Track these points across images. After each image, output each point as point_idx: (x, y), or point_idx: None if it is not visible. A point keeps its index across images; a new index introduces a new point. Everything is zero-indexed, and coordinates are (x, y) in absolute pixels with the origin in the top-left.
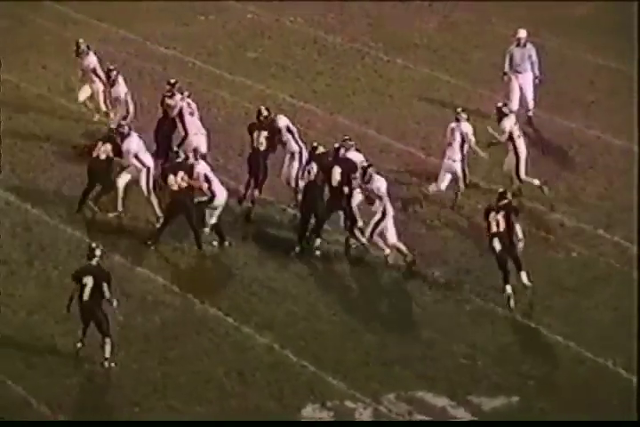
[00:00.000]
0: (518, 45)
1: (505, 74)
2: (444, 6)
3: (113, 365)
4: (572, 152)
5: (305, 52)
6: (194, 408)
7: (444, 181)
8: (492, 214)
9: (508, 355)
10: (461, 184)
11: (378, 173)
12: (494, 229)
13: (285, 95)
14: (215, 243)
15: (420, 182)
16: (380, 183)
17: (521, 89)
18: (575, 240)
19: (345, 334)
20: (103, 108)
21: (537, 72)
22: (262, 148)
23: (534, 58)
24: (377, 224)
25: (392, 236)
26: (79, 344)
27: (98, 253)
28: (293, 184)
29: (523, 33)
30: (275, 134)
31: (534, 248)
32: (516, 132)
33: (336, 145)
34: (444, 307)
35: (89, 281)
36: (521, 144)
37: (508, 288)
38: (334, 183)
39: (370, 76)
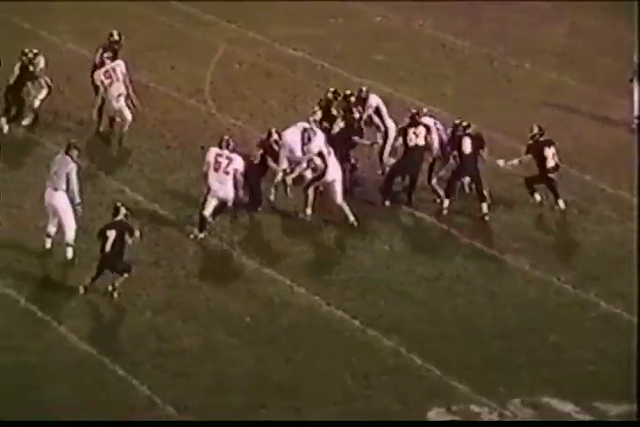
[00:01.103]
0: None
1: (631, 81)
2: (572, 11)
3: (116, 295)
4: None
5: (433, 55)
6: (319, 410)
7: None
8: (547, 149)
9: (634, 361)
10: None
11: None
12: (551, 164)
13: (413, 99)
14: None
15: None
16: (317, 142)
17: None
18: None
19: (470, 339)
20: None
21: None
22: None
23: None
24: (314, 180)
25: (338, 197)
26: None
27: (122, 211)
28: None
29: None
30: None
31: None
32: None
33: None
34: (570, 312)
35: (112, 234)
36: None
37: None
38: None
39: (497, 80)
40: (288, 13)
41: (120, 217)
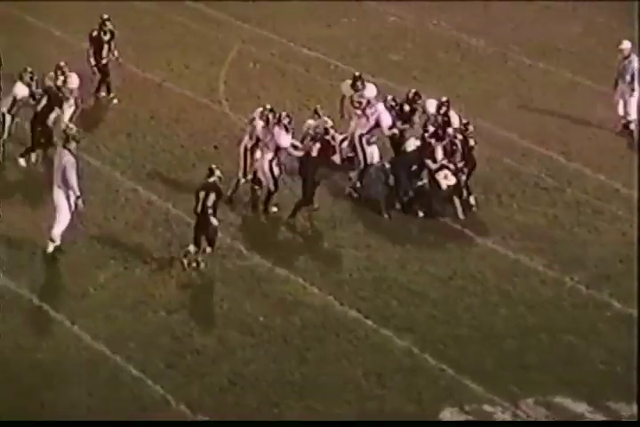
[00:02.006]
0: (623, 57)
1: (616, 84)
2: (588, 11)
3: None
4: None
5: (448, 55)
6: (332, 410)
7: None
8: None
9: None
10: None
11: None
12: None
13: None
14: None
15: (561, 187)
16: None
17: (622, 99)
18: None
19: (484, 339)
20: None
21: (635, 85)
22: None
23: (635, 70)
24: None
25: None
26: (192, 248)
27: (217, 173)
28: None
29: (626, 44)
30: None
31: None
32: None
33: None
34: (584, 312)
35: (201, 195)
36: None
37: None
38: None
39: (512, 79)
40: (302, 13)
41: (213, 178)
